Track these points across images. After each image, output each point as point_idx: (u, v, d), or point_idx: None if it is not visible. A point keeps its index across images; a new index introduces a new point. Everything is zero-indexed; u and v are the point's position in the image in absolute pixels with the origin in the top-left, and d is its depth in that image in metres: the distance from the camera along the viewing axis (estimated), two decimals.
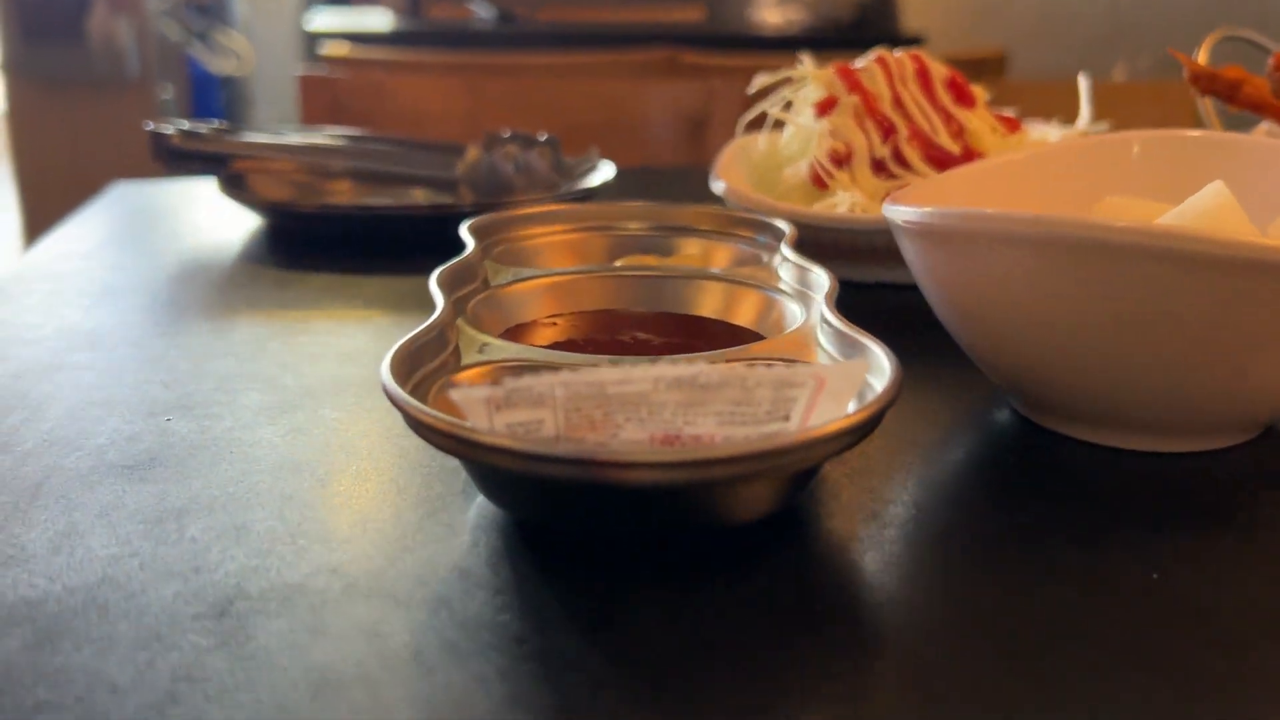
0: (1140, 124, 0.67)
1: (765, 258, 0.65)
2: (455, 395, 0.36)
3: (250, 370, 0.57)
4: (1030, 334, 0.45)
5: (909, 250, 0.50)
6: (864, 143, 0.79)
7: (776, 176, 0.83)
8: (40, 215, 3.50)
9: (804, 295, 0.55)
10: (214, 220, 0.91)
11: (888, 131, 0.79)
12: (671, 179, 1.17)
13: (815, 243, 0.70)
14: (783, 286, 0.57)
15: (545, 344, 0.54)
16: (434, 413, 0.37)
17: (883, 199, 0.76)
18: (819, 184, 0.79)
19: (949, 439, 0.51)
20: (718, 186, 0.76)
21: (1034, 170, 0.60)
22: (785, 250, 0.61)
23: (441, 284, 0.53)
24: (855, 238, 0.71)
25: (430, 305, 0.50)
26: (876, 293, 0.72)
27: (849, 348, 0.46)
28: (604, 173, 0.93)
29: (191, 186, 1.01)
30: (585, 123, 1.62)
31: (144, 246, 0.86)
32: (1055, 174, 0.60)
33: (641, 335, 0.56)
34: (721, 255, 0.69)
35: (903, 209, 0.48)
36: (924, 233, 0.46)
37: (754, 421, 0.37)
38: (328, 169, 0.91)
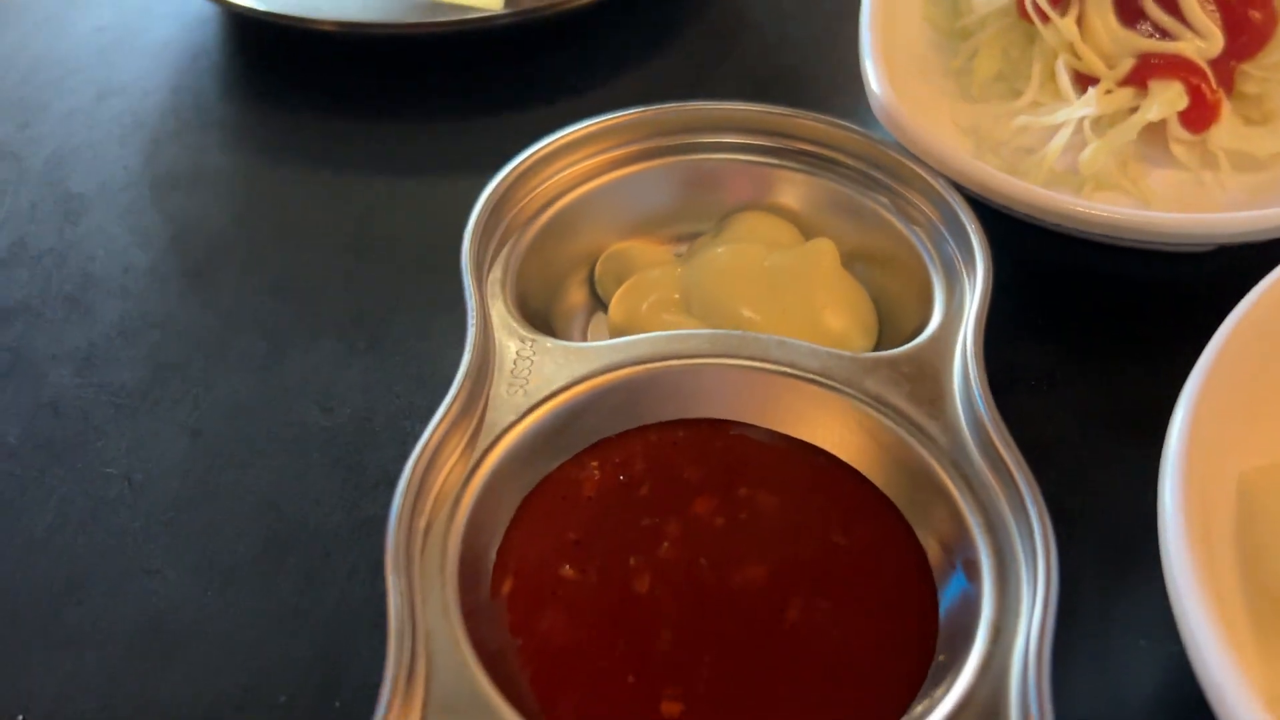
0: None
1: (938, 294, 0.41)
2: None
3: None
4: None
5: None
6: None
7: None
8: None
9: (990, 506, 0.34)
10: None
11: None
12: None
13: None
14: (945, 443, 0.36)
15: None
16: None
17: (1128, 76, 0.48)
18: (1025, 18, 0.51)
19: None
20: (876, 94, 0.47)
21: None
22: (970, 328, 0.38)
23: (403, 521, 0.33)
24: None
25: None
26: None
27: None
28: None
29: None
30: None
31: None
32: None
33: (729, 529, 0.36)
34: (870, 244, 0.45)
35: None
36: None
37: None
38: None
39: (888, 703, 0.31)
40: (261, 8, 0.58)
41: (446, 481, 0.35)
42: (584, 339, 0.44)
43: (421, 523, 0.34)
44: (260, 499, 0.39)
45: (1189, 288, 0.46)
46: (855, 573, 0.35)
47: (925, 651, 0.33)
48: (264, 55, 0.59)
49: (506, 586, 0.34)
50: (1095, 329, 0.45)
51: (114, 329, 0.45)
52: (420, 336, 0.44)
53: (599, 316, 0.45)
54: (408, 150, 0.53)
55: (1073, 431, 0.41)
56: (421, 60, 0.58)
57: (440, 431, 0.35)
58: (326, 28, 0.56)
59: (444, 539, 0.34)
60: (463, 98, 0.56)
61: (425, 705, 0.30)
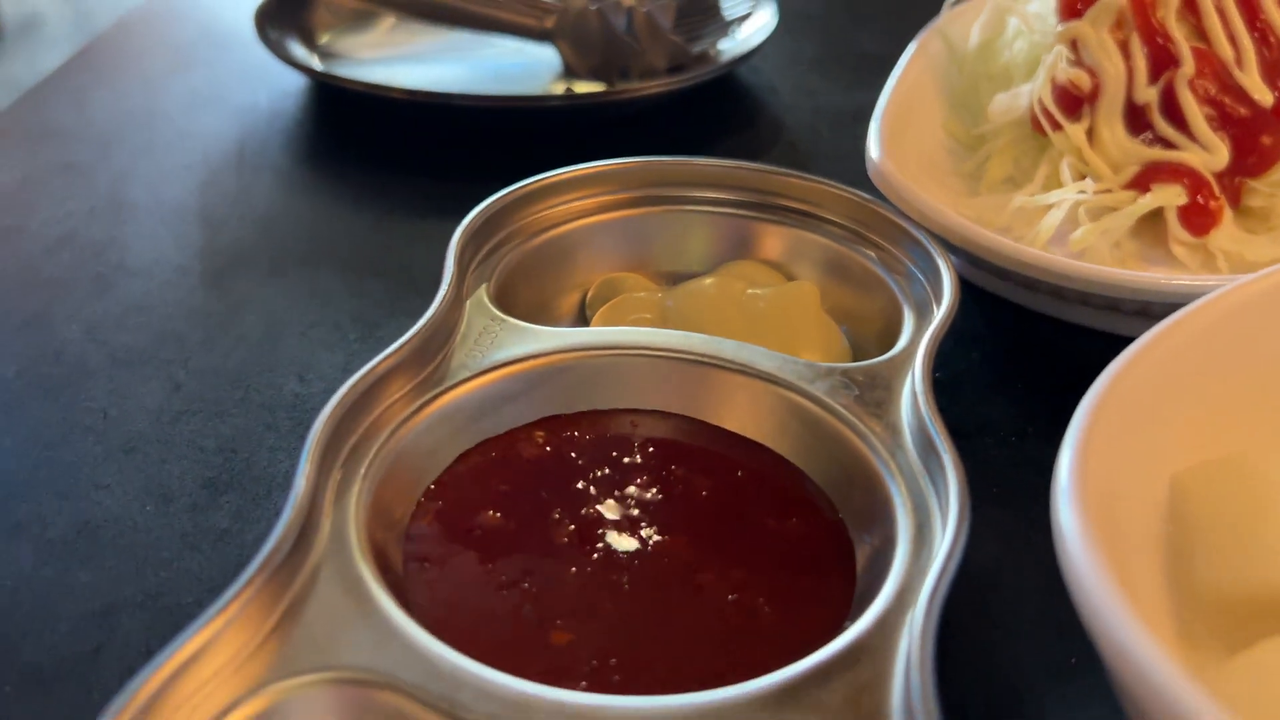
0: None
1: (906, 328, 0.42)
2: None
3: None
4: None
5: None
6: (1120, 74, 0.51)
7: (982, 97, 0.57)
8: None
9: (915, 489, 0.34)
10: (252, 69, 0.71)
11: (1161, 62, 0.51)
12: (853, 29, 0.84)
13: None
14: (884, 438, 0.35)
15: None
16: None
17: (1133, 181, 0.50)
18: (1038, 130, 0.53)
19: None
20: (876, 163, 0.48)
21: None
22: (924, 341, 0.38)
23: (334, 417, 0.34)
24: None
25: None
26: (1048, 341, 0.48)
27: None
28: (758, 29, 0.68)
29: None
30: None
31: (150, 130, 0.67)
32: None
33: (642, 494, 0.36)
34: (853, 295, 0.46)
35: None
36: None
37: None
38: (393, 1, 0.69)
39: (783, 659, 0.30)
40: (339, 73, 0.63)
41: (387, 412, 0.36)
42: None
43: (355, 431, 0.34)
44: (220, 443, 0.40)
45: None
46: (774, 549, 0.34)
47: (836, 618, 0.32)
48: (333, 123, 0.64)
49: (427, 516, 0.35)
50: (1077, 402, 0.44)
51: (131, 303, 0.48)
52: None
53: None
54: (438, 203, 0.56)
55: (1035, 480, 0.40)
56: (474, 132, 0.62)
57: (388, 364, 0.36)
58: (395, 95, 0.61)
59: (375, 452, 0.34)
60: (503, 168, 0.59)
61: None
